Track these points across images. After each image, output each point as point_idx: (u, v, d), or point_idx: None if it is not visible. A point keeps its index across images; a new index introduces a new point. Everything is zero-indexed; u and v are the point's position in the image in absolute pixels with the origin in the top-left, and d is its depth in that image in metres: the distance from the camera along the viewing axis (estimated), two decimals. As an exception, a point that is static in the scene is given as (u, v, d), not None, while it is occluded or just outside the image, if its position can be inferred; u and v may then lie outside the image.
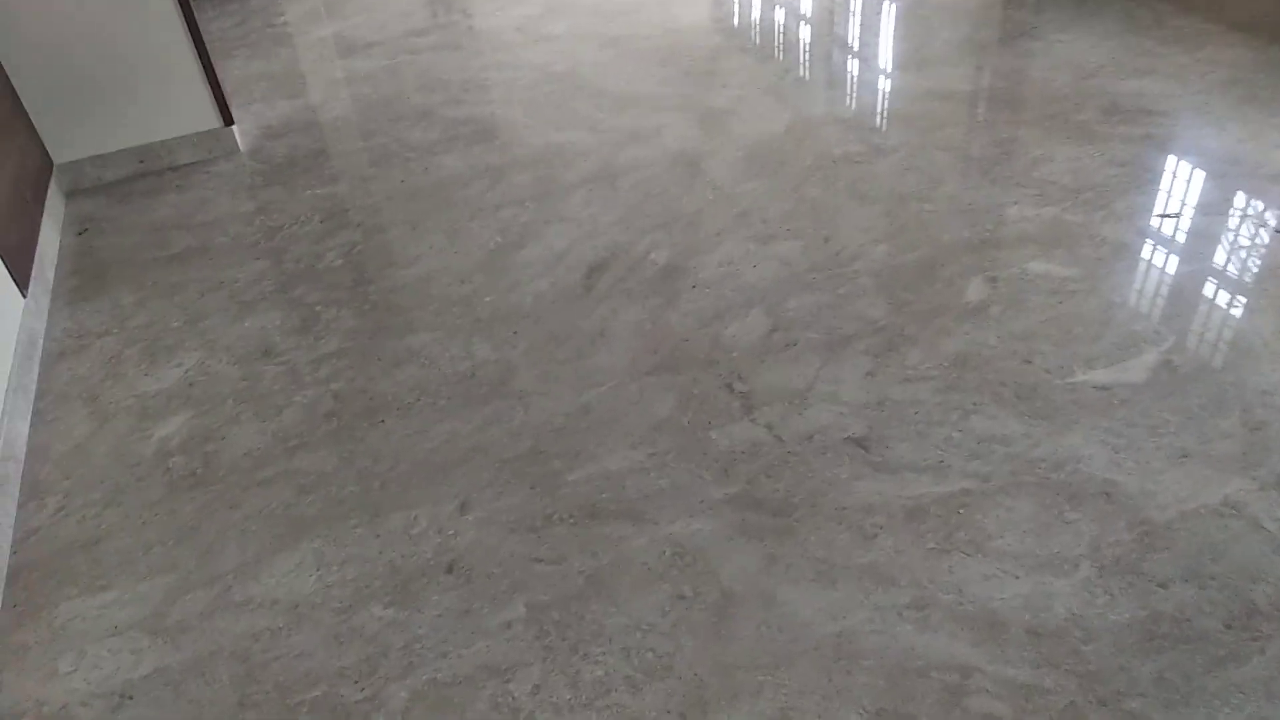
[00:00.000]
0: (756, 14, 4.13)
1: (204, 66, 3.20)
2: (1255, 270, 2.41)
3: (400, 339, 2.43)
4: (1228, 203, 2.65)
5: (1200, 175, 2.78)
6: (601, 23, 4.11)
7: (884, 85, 3.45)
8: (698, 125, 3.29)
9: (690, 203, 2.89)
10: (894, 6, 4.06)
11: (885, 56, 3.64)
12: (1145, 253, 2.50)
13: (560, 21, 4.16)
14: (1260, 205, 2.63)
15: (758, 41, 3.82)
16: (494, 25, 4.18)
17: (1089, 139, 3.00)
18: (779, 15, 4.10)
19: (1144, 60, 3.41)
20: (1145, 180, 2.78)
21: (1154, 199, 2.70)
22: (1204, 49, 3.44)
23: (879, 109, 3.28)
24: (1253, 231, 2.55)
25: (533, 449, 2.07)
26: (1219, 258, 2.46)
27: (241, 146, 3.38)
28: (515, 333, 2.43)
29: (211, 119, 3.28)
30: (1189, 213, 2.64)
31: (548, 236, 2.79)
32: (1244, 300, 2.32)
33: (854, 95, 3.39)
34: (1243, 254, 2.47)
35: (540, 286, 2.59)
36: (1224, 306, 2.31)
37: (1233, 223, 2.58)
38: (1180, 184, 2.76)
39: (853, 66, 3.60)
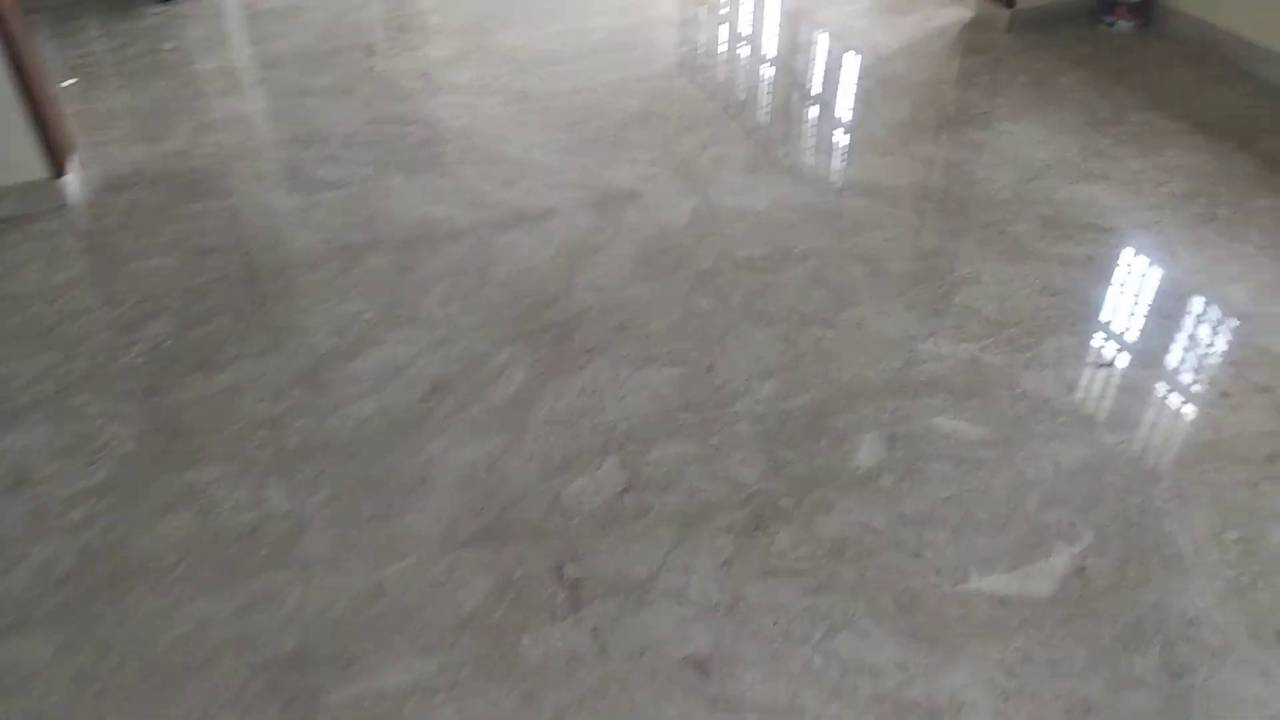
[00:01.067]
0: (685, 78, 3.76)
1: (31, 105, 2.79)
2: (1194, 447, 2.06)
3: (180, 473, 2.04)
4: (1169, 354, 2.30)
5: (1142, 314, 2.43)
6: (515, 73, 3.73)
7: (809, 171, 3.09)
8: (593, 208, 2.92)
9: (565, 307, 2.51)
10: (838, 76, 3.71)
11: (816, 137, 3.28)
12: (1070, 412, 2.15)
13: (470, 68, 3.78)
14: (1206, 358, 2.28)
15: (680, 109, 3.46)
16: (397, 68, 3.79)
17: (1024, 257, 2.65)
18: (708, 80, 3.74)
19: (1096, 163, 3.07)
20: (1080, 316, 2.43)
21: (1087, 342, 2.35)
22: (1163, 152, 3.11)
23: (797, 202, 2.91)
24: (1191, 391, 2.20)
25: (298, 650, 1.68)
26: (1152, 427, 2.11)
27: (75, 199, 2.97)
28: (321, 474, 2.04)
29: (36, 168, 2.87)
30: (1124, 363, 2.29)
31: (391, 342, 2.40)
32: (1178, 487, 1.96)
33: (773, 182, 3.03)
34: (1180, 424, 2.12)
35: (366, 409, 2.20)
36: (1154, 493, 1.95)
37: (1173, 380, 2.23)
38: (1119, 323, 2.41)
39: (779, 147, 3.23)
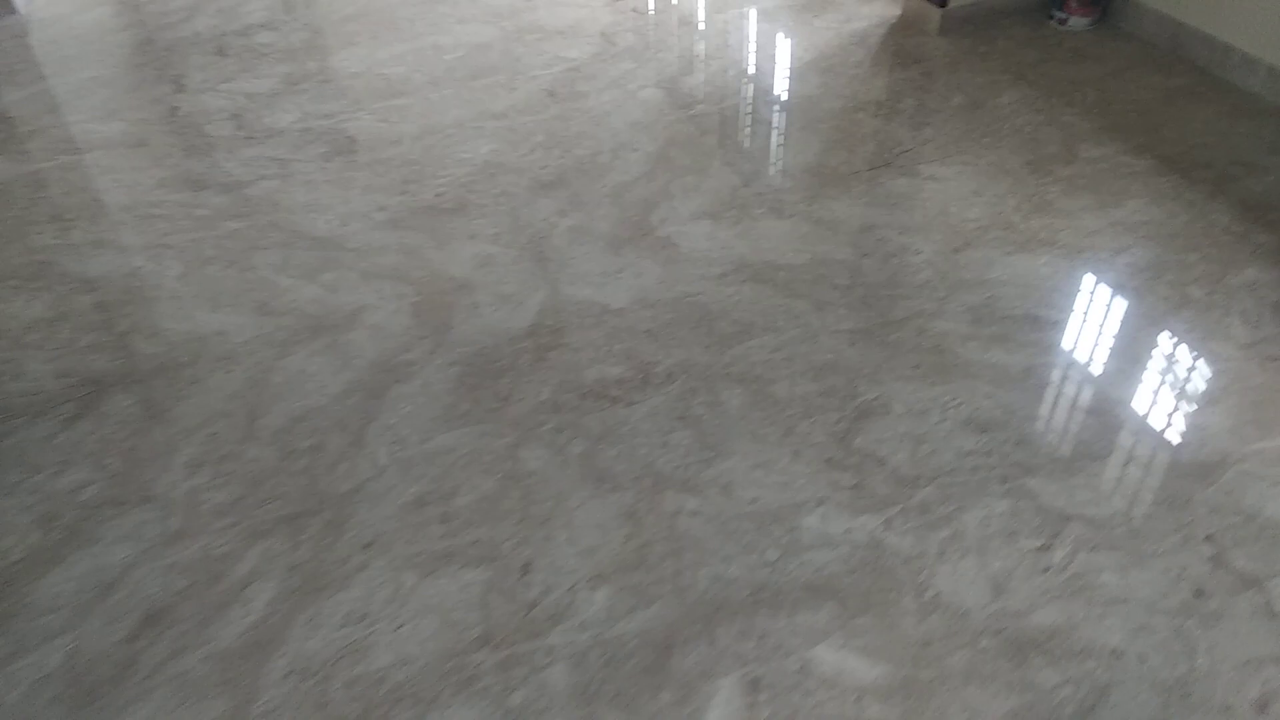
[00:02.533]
0: (550, 110, 3.13)
1: None
2: (1158, 690, 1.51)
3: None
4: (1127, 524, 1.75)
5: (1095, 461, 1.88)
6: (347, 110, 3.08)
7: (688, 245, 2.49)
8: (412, 309, 2.31)
9: (350, 473, 1.92)
10: (735, 105, 3.08)
11: (700, 194, 2.67)
12: (996, 632, 1.59)
13: (293, 106, 3.12)
14: (1173, 533, 1.73)
15: (538, 158, 2.84)
16: (206, 109, 3.12)
17: (946, 371, 2.08)
18: (577, 112, 3.11)
19: (1041, 220, 2.48)
20: (1014, 466, 1.87)
21: (1022, 511, 1.79)
22: (1123, 202, 2.53)
23: (668, 293, 2.32)
24: (1155, 592, 1.65)
25: None
26: (1109, 660, 1.56)
27: None
28: (-45, 788, 1.46)
29: None
30: (1068, 546, 1.73)
31: (107, 539, 1.81)
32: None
33: (641, 263, 2.43)
34: (1141, 649, 1.58)
35: (48, 662, 1.62)
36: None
37: (1131, 569, 1.68)
38: (1064, 479, 1.85)
39: (653, 210, 2.62)
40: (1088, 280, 2.29)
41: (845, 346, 2.15)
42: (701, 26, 3.50)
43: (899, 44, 3.32)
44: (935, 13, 3.31)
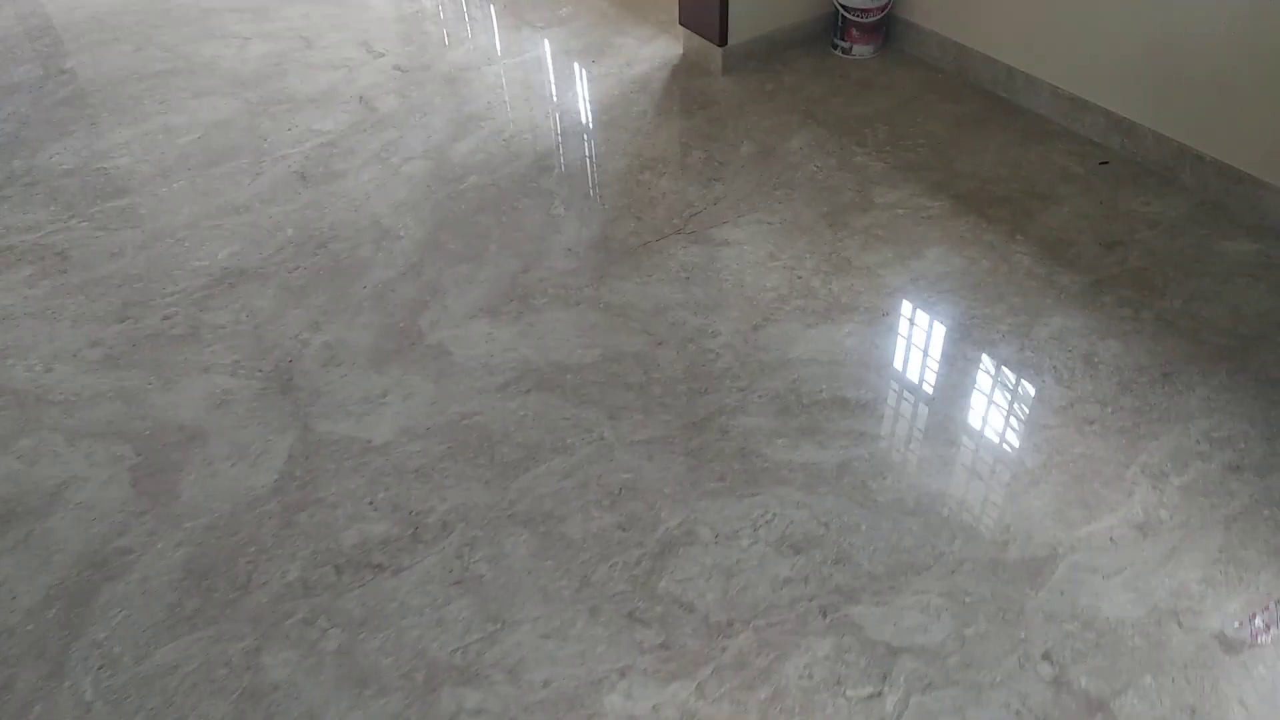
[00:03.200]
0: (301, 197, 2.77)
1: None
2: None
3: None
4: (970, 647, 1.56)
5: (925, 576, 1.69)
6: (56, 219, 2.62)
7: (464, 353, 2.19)
8: (128, 477, 1.91)
9: None
10: (526, 182, 2.80)
11: (482, 289, 2.38)
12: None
13: (38, 213, 2.64)
14: (1023, 660, 1.56)
15: (288, 256, 2.48)
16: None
17: (755, 480, 1.86)
18: (332, 197, 2.76)
19: (841, 281, 2.32)
20: (834, 593, 1.66)
21: (849, 653, 1.58)
22: (924, 251, 2.39)
23: (440, 417, 2.02)
24: (1007, 730, 1.47)
25: None
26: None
27: None
28: None
29: None
30: (903, 689, 1.53)
31: None
32: None
33: (409, 380, 2.12)
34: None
35: None
36: None
37: (989, 701, 1.49)
38: (893, 599, 1.66)
39: (422, 311, 2.31)
40: (894, 349, 2.13)
41: (644, 462, 1.90)
42: (470, 83, 3.20)
43: (683, 87, 3.12)
44: (717, 51, 3.12)
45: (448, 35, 3.48)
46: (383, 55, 3.38)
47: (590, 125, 2.95)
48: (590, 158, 2.80)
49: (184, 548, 1.78)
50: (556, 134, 2.92)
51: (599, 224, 2.54)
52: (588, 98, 3.08)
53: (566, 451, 1.93)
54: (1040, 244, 2.40)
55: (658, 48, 3.34)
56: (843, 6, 3.11)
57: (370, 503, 1.84)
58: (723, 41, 3.09)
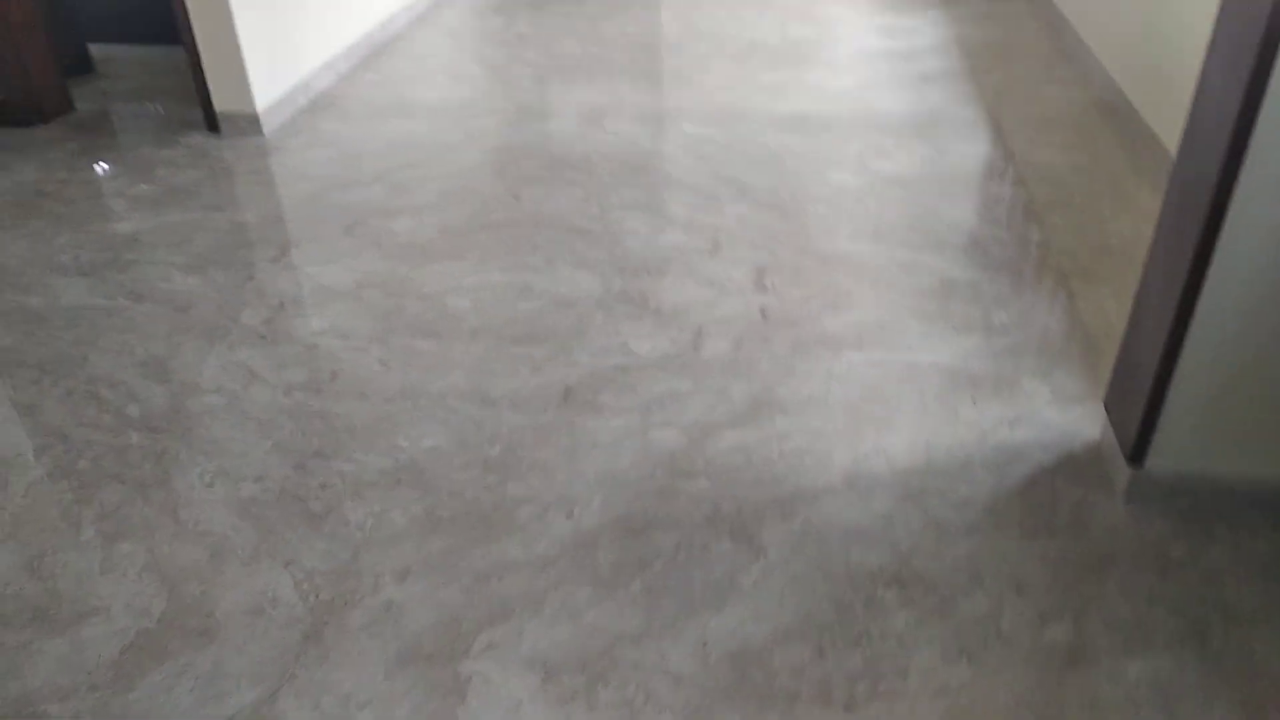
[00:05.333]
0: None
1: None
2: None
3: None
4: None
5: None
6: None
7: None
8: None
9: None
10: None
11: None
12: None
13: None
14: None
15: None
16: None
17: None
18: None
19: None
20: None
21: None
22: None
23: None
24: None
25: None
26: None
27: None
28: None
29: None
30: None
31: None
32: None
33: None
34: None
35: None
36: None
37: None
38: None
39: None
40: None
41: None
42: (804, 358, 2.65)
43: (1058, 493, 2.21)
44: (1123, 469, 2.15)
45: (838, 297, 2.96)
46: (765, 291, 2.98)
47: (885, 491, 2.23)
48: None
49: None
50: (844, 476, 2.26)
51: None
52: (926, 445, 2.35)
53: None
54: None
55: (1071, 419, 2.43)
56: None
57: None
58: (1135, 458, 2.12)
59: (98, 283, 3.04)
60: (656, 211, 3.48)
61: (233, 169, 3.85)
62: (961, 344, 2.72)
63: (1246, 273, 1.89)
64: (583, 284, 3.02)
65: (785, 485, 2.24)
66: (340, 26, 4.87)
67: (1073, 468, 2.28)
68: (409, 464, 2.30)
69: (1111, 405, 2.28)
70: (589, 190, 3.64)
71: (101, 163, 3.88)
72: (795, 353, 2.70)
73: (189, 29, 3.96)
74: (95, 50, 5.07)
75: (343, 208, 3.50)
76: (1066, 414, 2.45)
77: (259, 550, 2.07)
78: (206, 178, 3.76)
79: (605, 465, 2.29)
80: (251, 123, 4.12)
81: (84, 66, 4.92)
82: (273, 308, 2.91)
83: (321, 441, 2.37)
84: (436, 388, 2.55)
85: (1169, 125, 3.66)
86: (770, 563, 2.04)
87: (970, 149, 3.97)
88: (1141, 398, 2.09)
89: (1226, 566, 2.02)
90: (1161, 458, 2.11)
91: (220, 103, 4.12)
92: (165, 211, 3.49)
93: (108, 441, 2.38)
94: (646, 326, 2.81)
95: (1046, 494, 2.21)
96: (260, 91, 4.13)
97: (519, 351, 2.70)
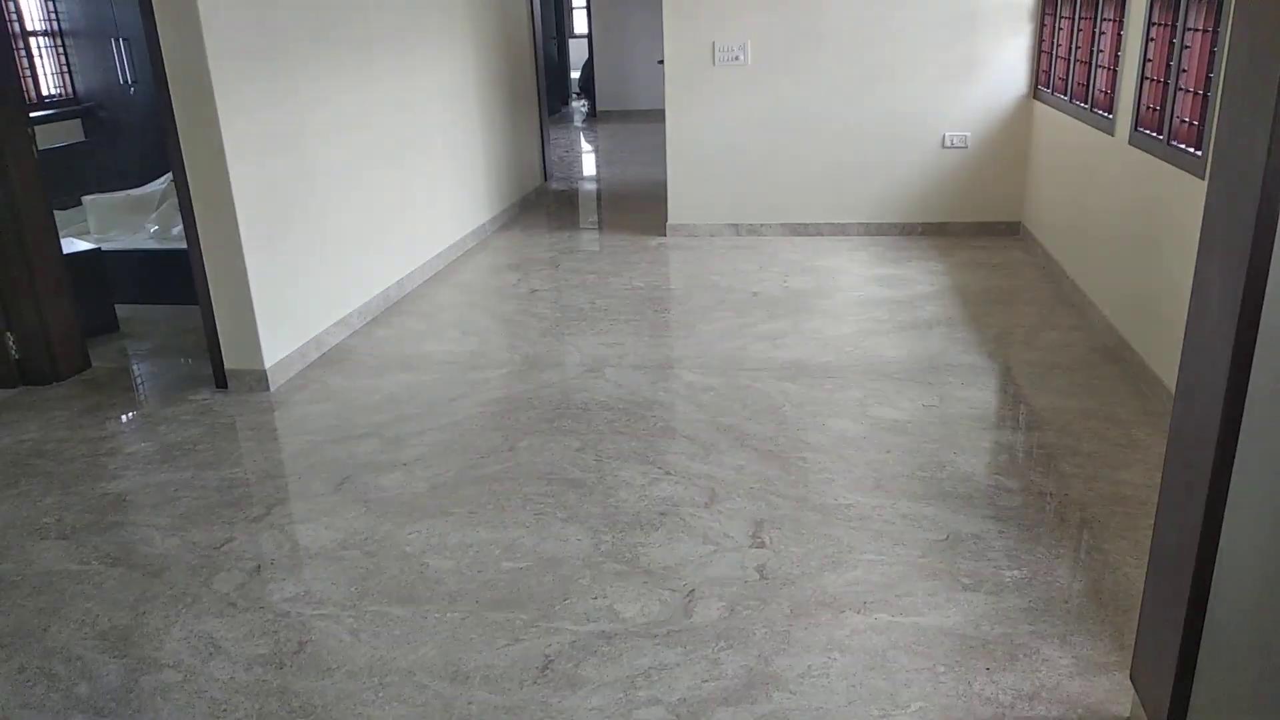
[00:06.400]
0: None
1: None
2: None
3: None
4: None
5: None
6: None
7: None
8: None
9: None
10: None
11: None
12: None
13: None
14: None
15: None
16: None
17: None
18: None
19: None
20: None
21: None
22: None
23: None
24: None
25: None
26: None
27: None
28: None
29: None
30: None
31: None
32: None
33: None
34: None
35: None
36: None
37: None
38: None
39: None
40: None
41: None
42: (803, 638, 2.47)
43: (1088, 780, 1.96)
44: (1160, 751, 1.91)
45: (839, 553, 2.81)
46: (762, 546, 2.84)
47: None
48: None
49: None
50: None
51: None
52: (937, 723, 2.12)
53: None
54: None
55: (1097, 692, 2.20)
56: None
57: None
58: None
59: (74, 546, 2.96)
60: (652, 461, 3.41)
61: (234, 425, 3.87)
62: (972, 604, 2.53)
63: (1269, 515, 1.75)
64: (571, 540, 2.90)
65: (781, 775, 2.00)
66: (355, 286, 5.08)
67: (1104, 751, 2.03)
68: (365, 752, 2.09)
69: (1139, 678, 2.06)
70: (585, 440, 3.59)
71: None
72: (794, 617, 2.52)
73: (206, 292, 4.13)
74: (121, 310, 5.29)
75: (335, 462, 3.47)
76: (1092, 687, 2.22)
77: None
78: (206, 434, 3.76)
79: (580, 753, 2.08)
80: (259, 379, 4.20)
81: (109, 326, 5.11)
82: (248, 572, 2.79)
83: (275, 725, 2.18)
84: (406, 662, 2.38)
85: (1170, 367, 3.62)
86: None
87: (973, 395, 3.93)
88: (1170, 671, 1.89)
89: None
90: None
91: (230, 360, 4.21)
92: (158, 470, 3.46)
93: (47, 726, 2.20)
94: (635, 587, 2.66)
95: (1077, 786, 1.95)
96: (270, 349, 4.23)
97: (498, 618, 2.54)
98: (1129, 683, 2.15)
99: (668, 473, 3.33)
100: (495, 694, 2.26)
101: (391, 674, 2.33)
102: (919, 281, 5.55)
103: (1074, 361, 4.24)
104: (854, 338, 4.65)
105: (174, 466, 3.49)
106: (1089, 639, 2.38)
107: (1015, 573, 2.67)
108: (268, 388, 4.18)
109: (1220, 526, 1.77)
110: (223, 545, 2.94)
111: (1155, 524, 2.02)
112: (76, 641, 2.50)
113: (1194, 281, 1.86)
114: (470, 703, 2.23)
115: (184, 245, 4.19)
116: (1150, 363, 3.86)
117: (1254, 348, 1.64)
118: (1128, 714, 2.12)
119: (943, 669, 2.30)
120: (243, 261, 4.04)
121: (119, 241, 5.77)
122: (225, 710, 2.23)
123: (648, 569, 2.75)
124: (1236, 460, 1.72)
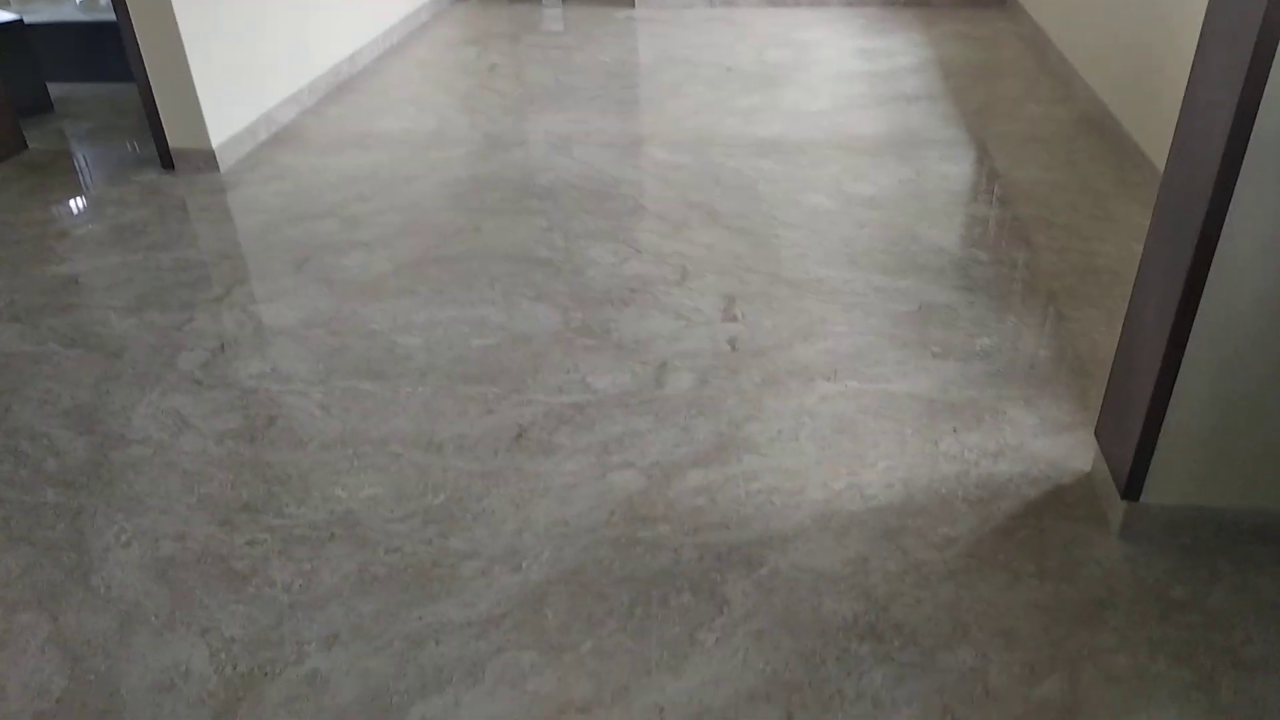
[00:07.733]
0: None
1: None
2: None
3: None
4: None
5: None
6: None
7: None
8: None
9: None
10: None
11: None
12: None
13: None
14: None
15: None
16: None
17: None
18: None
19: None
20: None
21: None
22: None
23: None
24: None
25: None
26: None
27: None
28: None
29: None
30: None
31: None
32: None
33: None
34: None
35: None
36: None
37: None
38: None
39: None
40: None
41: None
42: (776, 396, 2.48)
43: (1048, 528, 2.03)
44: (1118, 502, 1.98)
45: (810, 325, 2.80)
46: (734, 320, 2.82)
47: (859, 531, 2.05)
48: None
49: None
50: (815, 517, 2.08)
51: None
52: (901, 480, 2.17)
53: None
54: None
55: (1059, 450, 2.26)
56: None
57: None
58: (1131, 492, 1.94)
59: (29, 329, 2.88)
60: (622, 240, 3.33)
61: (184, 206, 3.70)
62: (941, 371, 2.55)
63: (1246, 290, 1.73)
64: (541, 318, 2.86)
65: (752, 529, 2.06)
66: (304, 60, 4.75)
67: (1063, 503, 2.10)
68: (344, 517, 2.12)
69: (1103, 435, 2.11)
70: (552, 220, 3.49)
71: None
72: (765, 386, 2.53)
73: (141, 65, 3.84)
74: (55, 89, 4.95)
75: (293, 243, 3.35)
76: (1055, 445, 2.27)
77: (173, 617, 1.89)
78: (155, 216, 3.61)
79: (557, 513, 2.12)
80: (207, 159, 3.99)
81: (43, 105, 4.80)
82: (211, 350, 2.74)
83: (251, 494, 2.19)
84: (379, 433, 2.38)
85: (1155, 139, 3.53)
86: (734, 617, 1.85)
87: (951, 169, 3.83)
88: (1136, 426, 1.92)
89: (1233, 608, 1.84)
90: (1159, 490, 1.94)
91: (175, 139, 3.98)
92: (109, 252, 3.33)
93: (19, 499, 2.20)
94: (607, 360, 2.65)
95: (1035, 532, 2.03)
96: (216, 127, 3.99)
97: (470, 391, 2.53)
98: (1093, 439, 2.21)
99: (638, 251, 3.26)
100: (470, 461, 2.28)
101: (365, 444, 2.34)
102: (900, 54, 5.30)
103: (1055, 134, 4.12)
104: (831, 112, 4.47)
105: (125, 248, 3.35)
106: (1054, 401, 2.42)
107: (985, 340, 2.68)
108: (217, 168, 3.98)
109: (1201, 290, 1.74)
110: (183, 325, 2.87)
111: (1135, 286, 1.99)
112: (40, 420, 2.47)
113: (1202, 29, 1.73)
114: (445, 470, 2.25)
115: (114, 17, 3.85)
116: (1134, 133, 3.75)
117: (1258, 105, 1.55)
118: (1089, 468, 2.18)
119: (910, 431, 2.34)
120: (176, 29, 3.73)
121: (43, 14, 5.32)
122: (199, 481, 2.24)
123: (619, 344, 2.73)
124: (1225, 224, 1.66)
